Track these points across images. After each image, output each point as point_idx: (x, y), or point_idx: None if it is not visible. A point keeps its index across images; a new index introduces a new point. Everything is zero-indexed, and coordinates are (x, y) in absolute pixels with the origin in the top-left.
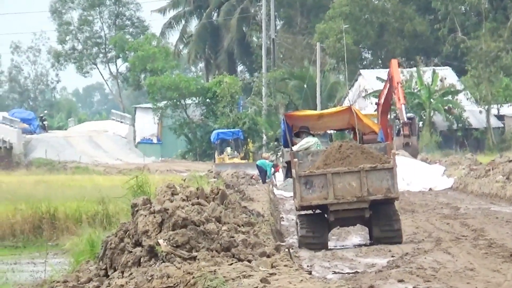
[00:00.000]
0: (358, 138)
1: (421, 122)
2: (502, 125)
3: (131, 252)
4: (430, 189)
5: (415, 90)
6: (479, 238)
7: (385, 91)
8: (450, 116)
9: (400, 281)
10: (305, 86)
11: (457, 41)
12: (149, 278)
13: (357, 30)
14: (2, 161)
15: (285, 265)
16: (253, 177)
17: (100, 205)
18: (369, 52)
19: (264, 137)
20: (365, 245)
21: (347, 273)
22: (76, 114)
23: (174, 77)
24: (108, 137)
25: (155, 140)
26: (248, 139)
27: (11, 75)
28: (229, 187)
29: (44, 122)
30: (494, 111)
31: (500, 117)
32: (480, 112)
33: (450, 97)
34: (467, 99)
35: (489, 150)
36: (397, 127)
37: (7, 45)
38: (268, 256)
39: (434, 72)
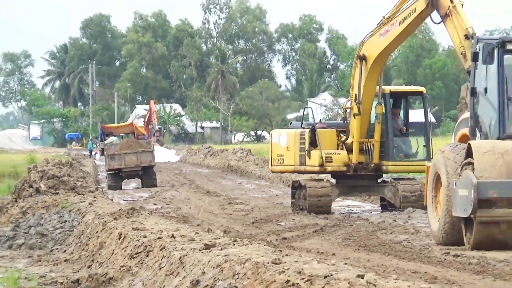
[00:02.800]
0: (135, 137)
1: (164, 130)
2: None
3: (28, 190)
4: (169, 161)
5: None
6: (192, 184)
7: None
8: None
9: (155, 204)
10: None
11: None
12: (36, 202)
13: None
14: None
15: (101, 197)
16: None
17: (13, 168)
18: None
19: (90, 136)
20: (138, 187)
21: (129, 200)
22: None
23: None
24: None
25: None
26: (83, 138)
27: None
28: (74, 160)
29: None
30: None
31: None
32: None
33: None
34: None
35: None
36: (154, 132)
37: None
38: (92, 192)
39: None
